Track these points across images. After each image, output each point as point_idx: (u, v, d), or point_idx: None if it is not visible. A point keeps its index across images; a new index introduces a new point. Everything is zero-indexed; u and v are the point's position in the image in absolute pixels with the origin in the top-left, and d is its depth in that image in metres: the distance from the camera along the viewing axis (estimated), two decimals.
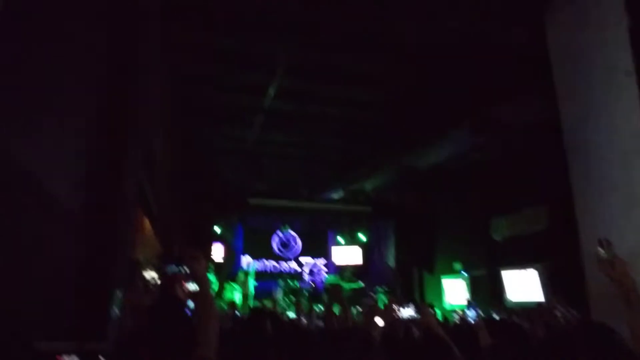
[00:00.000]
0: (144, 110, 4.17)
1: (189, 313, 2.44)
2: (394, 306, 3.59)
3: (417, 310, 3.75)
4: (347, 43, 5.96)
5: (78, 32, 3.04)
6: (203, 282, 2.18)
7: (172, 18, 5.28)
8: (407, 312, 4.23)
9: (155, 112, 5.70)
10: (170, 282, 3.40)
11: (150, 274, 6.73)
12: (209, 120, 8.71)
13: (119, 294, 3.37)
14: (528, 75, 5.57)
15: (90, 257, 3.20)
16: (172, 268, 2.27)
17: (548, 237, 8.87)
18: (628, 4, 3.94)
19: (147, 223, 7.18)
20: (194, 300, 2.33)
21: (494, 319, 7.89)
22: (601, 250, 2.65)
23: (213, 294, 4.07)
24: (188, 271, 2.17)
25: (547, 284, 9.07)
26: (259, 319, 3.78)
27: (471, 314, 9.17)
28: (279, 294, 11.98)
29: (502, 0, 4.68)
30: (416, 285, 13.25)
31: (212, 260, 12.96)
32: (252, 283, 13.97)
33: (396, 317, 3.67)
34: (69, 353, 2.13)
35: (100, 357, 2.14)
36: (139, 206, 5.91)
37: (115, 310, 3.29)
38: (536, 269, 9.36)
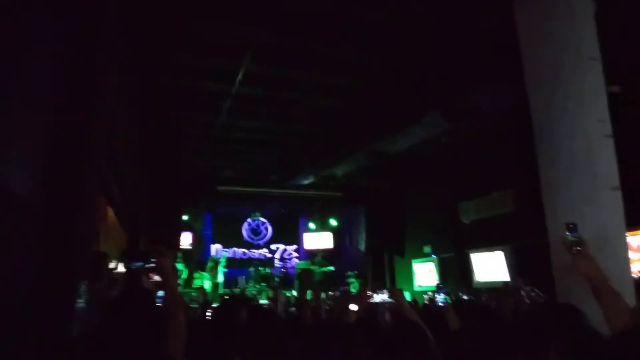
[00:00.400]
0: (104, 98, 4.00)
1: (157, 302, 2.41)
2: (368, 292, 3.59)
3: (390, 294, 3.77)
4: (317, 28, 5.85)
5: (33, 22, 2.86)
6: (169, 279, 2.17)
7: (134, 2, 5.06)
8: (380, 297, 4.25)
9: (118, 100, 5.49)
10: (136, 273, 3.32)
11: (116, 265, 6.56)
12: (175, 106, 8.47)
13: (83, 286, 3.27)
14: (499, 62, 5.62)
15: (51, 250, 3.08)
16: (138, 264, 2.21)
17: (515, 220, 9.14)
18: None
19: (111, 213, 6.97)
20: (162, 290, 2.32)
21: (462, 300, 8.09)
22: (568, 234, 2.71)
23: (180, 288, 4.06)
24: (154, 266, 2.15)
25: (513, 265, 9.37)
26: (233, 307, 3.73)
27: (440, 297, 9.36)
28: (243, 282, 11.96)
29: None
30: (387, 268, 13.45)
31: (181, 249, 12.78)
32: (221, 271, 13.85)
33: (370, 302, 3.68)
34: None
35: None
36: (102, 196, 5.72)
37: (81, 304, 3.20)
38: (503, 250, 9.65)
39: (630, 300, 3.25)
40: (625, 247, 3.89)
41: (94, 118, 3.77)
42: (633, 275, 4.17)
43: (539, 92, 4.25)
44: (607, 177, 3.80)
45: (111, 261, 6.40)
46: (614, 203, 3.78)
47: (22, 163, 2.77)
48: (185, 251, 13.35)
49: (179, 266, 12.82)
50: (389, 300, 3.89)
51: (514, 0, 4.42)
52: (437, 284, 5.44)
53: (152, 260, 2.20)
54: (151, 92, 7.72)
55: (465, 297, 7.74)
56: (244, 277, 9.78)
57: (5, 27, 2.44)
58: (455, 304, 4.90)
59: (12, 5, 2.50)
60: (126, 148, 7.20)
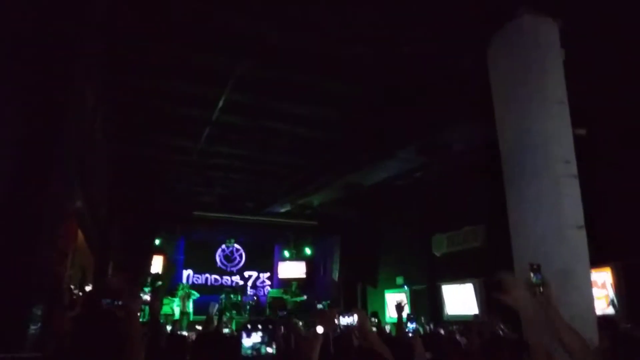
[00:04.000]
0: (78, 120, 4.00)
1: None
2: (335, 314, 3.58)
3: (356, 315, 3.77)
4: (297, 61, 5.98)
5: (12, 34, 2.88)
6: (133, 321, 2.22)
7: (118, 26, 5.10)
8: (346, 320, 4.25)
9: (94, 122, 5.47)
10: (96, 294, 3.27)
11: (79, 287, 6.40)
12: (154, 130, 8.44)
13: (38, 308, 3.20)
14: (472, 101, 5.84)
15: (10, 269, 3.03)
16: (107, 302, 2.24)
17: (485, 254, 9.30)
18: (563, 41, 4.26)
19: (80, 235, 6.82)
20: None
21: (430, 332, 8.12)
22: (532, 275, 2.77)
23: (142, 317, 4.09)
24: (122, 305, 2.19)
25: (483, 298, 9.48)
26: (207, 343, 3.68)
27: (411, 327, 9.37)
28: (214, 309, 11.57)
29: (449, 30, 4.89)
30: (359, 299, 13.40)
31: (150, 273, 12.47)
32: (191, 304, 13.58)
33: (336, 325, 3.67)
34: None
35: None
36: (72, 218, 5.62)
37: (35, 325, 3.14)
38: (473, 283, 9.77)
39: (593, 336, 3.34)
40: (589, 283, 4.02)
41: (67, 142, 3.75)
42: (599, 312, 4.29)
43: (508, 132, 4.44)
44: (572, 216, 3.96)
45: (75, 284, 6.25)
46: (579, 241, 3.93)
47: None
48: (154, 276, 13.04)
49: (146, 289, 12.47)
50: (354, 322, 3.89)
51: (488, 44, 4.66)
52: (408, 314, 5.49)
53: (120, 302, 2.23)
54: (129, 115, 7.70)
55: (439, 330, 7.77)
56: (215, 304, 9.48)
57: None
58: (425, 335, 4.96)
59: None
60: (101, 170, 7.13)
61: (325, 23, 5.16)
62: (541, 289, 2.55)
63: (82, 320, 2.36)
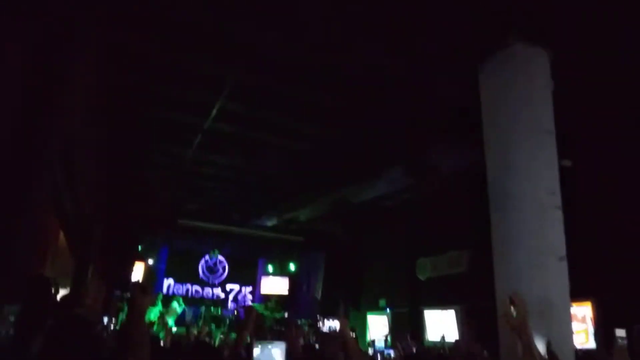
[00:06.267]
0: (66, 118, 3.95)
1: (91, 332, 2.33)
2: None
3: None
4: (295, 74, 6.01)
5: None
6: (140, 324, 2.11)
7: (114, 27, 5.09)
8: (330, 323, 4.26)
9: (83, 120, 5.41)
10: (67, 301, 3.18)
11: (57, 290, 6.23)
12: (145, 135, 8.38)
13: (11, 309, 3.11)
14: (461, 124, 5.89)
15: None
16: (117, 293, 2.18)
17: (468, 280, 9.27)
18: (553, 72, 4.32)
19: (61, 235, 6.68)
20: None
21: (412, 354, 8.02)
22: (512, 308, 2.74)
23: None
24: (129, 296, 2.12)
25: (464, 324, 9.42)
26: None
27: (388, 351, 9.27)
28: (190, 318, 11.41)
29: (441, 54, 4.95)
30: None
31: (131, 281, 12.27)
32: (173, 318, 13.36)
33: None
34: None
35: None
36: (54, 219, 5.51)
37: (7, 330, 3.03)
38: (455, 309, 9.72)
39: None
40: (569, 316, 4.01)
41: (52, 141, 3.70)
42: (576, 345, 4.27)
43: (495, 159, 4.46)
44: (554, 247, 3.96)
45: (56, 286, 6.08)
46: (560, 272, 3.93)
47: None
48: (135, 284, 12.82)
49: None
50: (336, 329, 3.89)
51: (480, 69, 4.71)
52: (385, 336, 5.45)
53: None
54: (119, 117, 7.65)
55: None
56: (191, 311, 9.20)
57: None
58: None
59: None
60: (87, 173, 7.04)
61: (321, 39, 5.20)
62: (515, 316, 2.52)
63: (54, 332, 2.27)
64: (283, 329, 10.97)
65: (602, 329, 6.50)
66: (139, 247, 12.67)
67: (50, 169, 3.94)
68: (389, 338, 10.23)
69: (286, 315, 14.45)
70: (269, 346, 3.31)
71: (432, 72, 5.30)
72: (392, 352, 5.98)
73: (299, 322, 13.13)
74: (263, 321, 13.13)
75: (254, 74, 6.16)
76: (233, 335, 12.83)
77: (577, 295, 4.12)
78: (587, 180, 6.22)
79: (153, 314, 13.15)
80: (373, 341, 4.60)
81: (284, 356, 3.19)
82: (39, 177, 3.57)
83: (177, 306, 13.15)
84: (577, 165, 5.77)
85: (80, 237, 7.46)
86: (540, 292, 3.68)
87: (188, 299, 15.51)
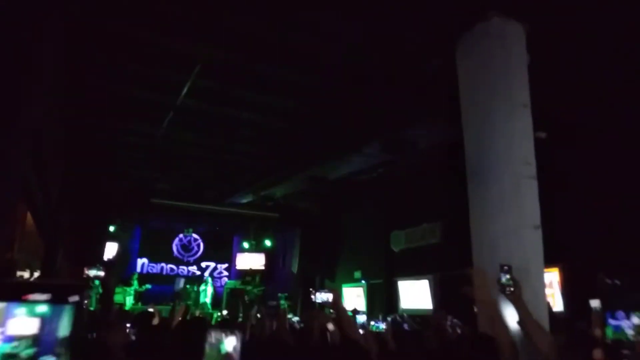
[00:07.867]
0: (34, 96, 3.80)
1: None
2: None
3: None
4: (265, 49, 5.90)
5: None
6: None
7: (81, 6, 4.87)
8: (322, 296, 4.37)
9: (50, 101, 5.21)
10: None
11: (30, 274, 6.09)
12: (114, 113, 8.12)
13: None
14: (438, 101, 5.94)
15: None
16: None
17: (441, 251, 9.54)
18: (529, 45, 4.38)
19: (29, 219, 6.48)
20: None
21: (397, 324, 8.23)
22: (502, 275, 2.84)
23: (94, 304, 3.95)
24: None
25: (437, 293, 9.74)
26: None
27: (360, 320, 9.49)
28: (180, 283, 11.23)
29: (418, 27, 4.95)
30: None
31: (104, 261, 12.10)
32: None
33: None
34: None
35: None
36: (20, 200, 5.34)
37: None
38: (428, 279, 10.01)
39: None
40: (542, 281, 4.18)
41: (22, 121, 3.57)
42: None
43: (472, 132, 4.53)
44: (530, 216, 4.09)
45: (23, 270, 5.94)
46: (535, 240, 4.07)
47: None
48: (107, 263, 12.63)
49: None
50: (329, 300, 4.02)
51: (457, 44, 4.73)
52: (354, 309, 5.58)
53: None
54: (87, 97, 7.39)
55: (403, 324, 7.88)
56: (181, 279, 8.94)
57: None
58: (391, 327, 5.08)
59: None
60: (55, 152, 6.80)
61: (293, 16, 5.12)
62: (511, 288, 2.63)
63: None
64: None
65: (569, 293, 6.85)
66: (111, 228, 12.45)
67: (18, 153, 3.81)
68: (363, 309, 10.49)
69: (264, 290, 14.59)
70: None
71: (408, 45, 5.30)
72: (380, 325, 6.14)
73: (278, 295, 13.29)
74: (243, 295, 13.28)
75: (226, 51, 6.03)
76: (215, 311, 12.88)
77: (546, 262, 4.28)
78: (561, 151, 6.43)
79: (122, 295, 13.05)
80: (355, 310, 4.73)
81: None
82: (6, 162, 3.45)
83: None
84: (551, 136, 5.95)
85: (48, 219, 7.27)
86: (517, 261, 3.79)
87: (163, 277, 15.49)
